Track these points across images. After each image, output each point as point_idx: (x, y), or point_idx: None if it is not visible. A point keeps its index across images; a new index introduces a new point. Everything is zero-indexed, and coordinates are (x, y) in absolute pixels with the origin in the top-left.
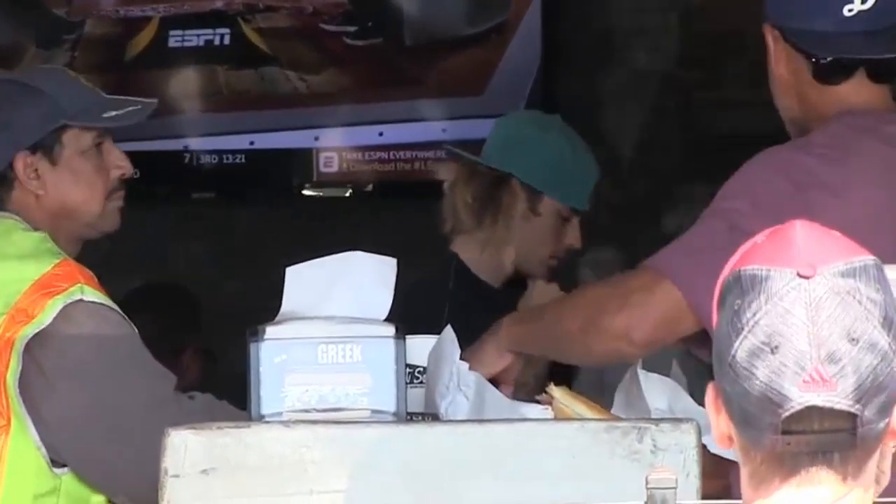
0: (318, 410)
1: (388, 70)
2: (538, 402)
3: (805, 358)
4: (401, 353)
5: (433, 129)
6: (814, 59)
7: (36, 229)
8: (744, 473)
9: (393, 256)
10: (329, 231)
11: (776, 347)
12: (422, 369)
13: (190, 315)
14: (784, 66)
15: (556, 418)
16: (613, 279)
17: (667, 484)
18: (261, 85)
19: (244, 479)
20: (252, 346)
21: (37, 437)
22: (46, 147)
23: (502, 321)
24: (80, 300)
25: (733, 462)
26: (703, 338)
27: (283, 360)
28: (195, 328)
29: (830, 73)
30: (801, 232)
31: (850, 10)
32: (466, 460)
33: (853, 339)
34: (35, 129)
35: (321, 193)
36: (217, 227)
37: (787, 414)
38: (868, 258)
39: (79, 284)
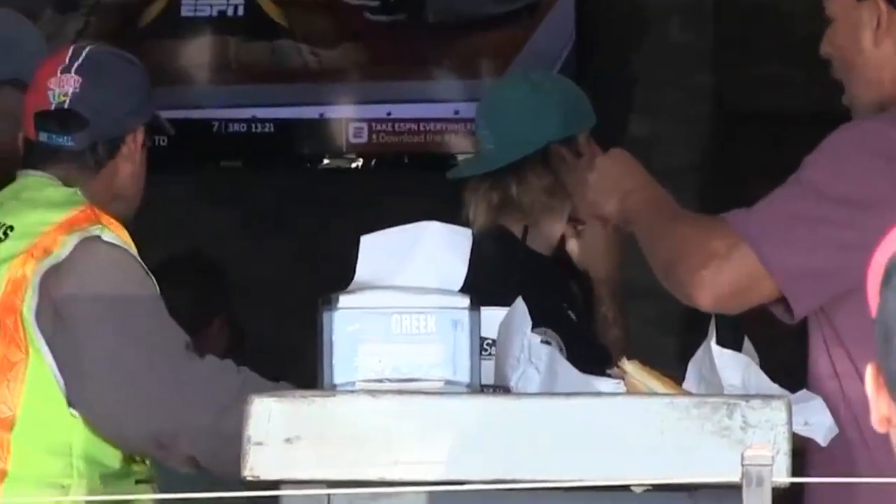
0: (390, 381)
1: (406, 47)
2: (610, 376)
3: None
4: (475, 324)
5: (445, 109)
6: None
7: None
8: None
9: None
10: (354, 201)
11: None
12: (491, 341)
13: (217, 286)
14: (892, 41)
15: (628, 393)
16: (702, 228)
17: (763, 461)
18: (271, 58)
19: (327, 449)
20: (325, 315)
21: (55, 370)
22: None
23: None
24: (99, 237)
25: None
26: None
27: (355, 329)
28: (223, 299)
29: None
30: None
31: None
32: (553, 434)
33: None
34: (149, 110)
35: (347, 165)
36: (244, 196)
37: None
38: None
39: (100, 224)
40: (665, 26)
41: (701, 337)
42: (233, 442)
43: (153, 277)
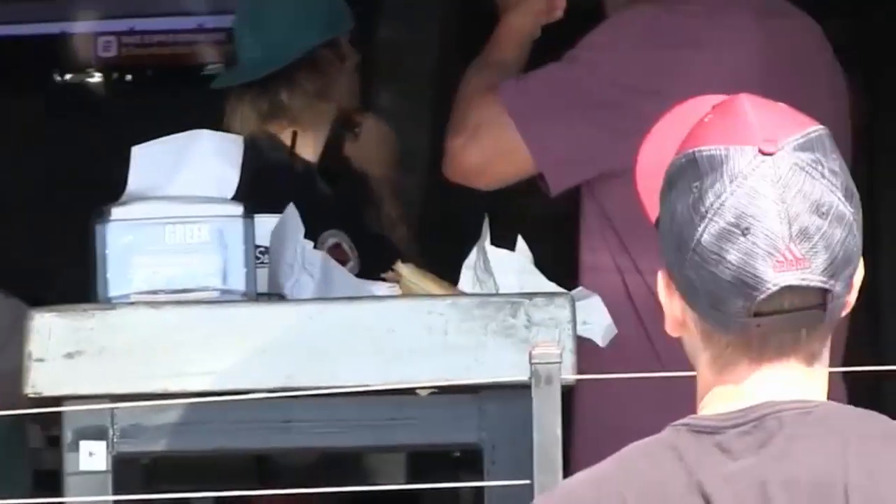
0: (165, 292)
1: None
2: (384, 279)
3: (777, 237)
4: (249, 232)
5: (188, 22)
6: None
7: None
8: (703, 359)
9: None
10: (106, 116)
11: (747, 229)
12: (264, 249)
13: None
14: None
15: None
16: (473, 97)
17: (550, 359)
18: None
19: (110, 363)
20: (98, 228)
21: None
22: None
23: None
24: None
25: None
26: None
27: (129, 241)
28: None
29: None
30: (750, 106)
31: None
32: (336, 340)
33: (822, 214)
34: None
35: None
36: None
37: (762, 297)
38: (819, 127)
39: None
40: None
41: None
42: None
43: None
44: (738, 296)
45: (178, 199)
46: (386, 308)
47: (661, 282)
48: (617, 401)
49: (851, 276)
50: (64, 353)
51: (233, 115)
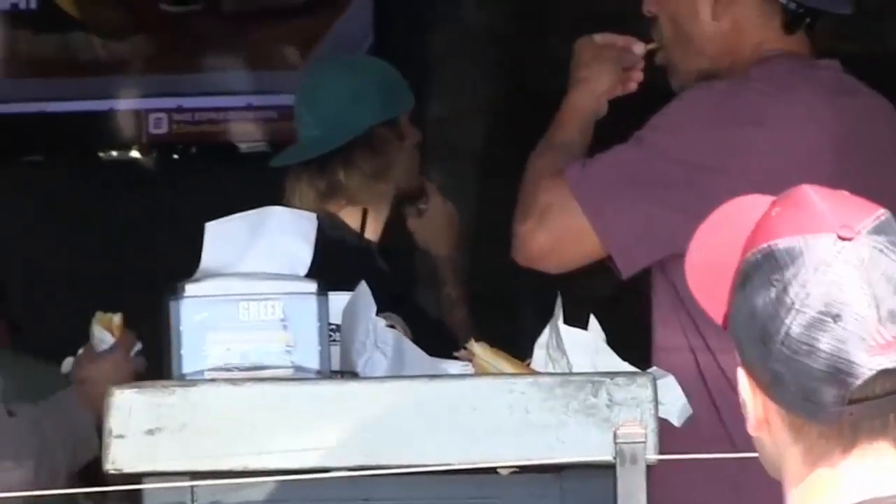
0: (239, 369)
1: (201, 38)
2: (457, 358)
3: (867, 322)
4: (323, 309)
5: (237, 101)
6: (791, 7)
7: None
8: (794, 453)
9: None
10: (157, 192)
11: (837, 316)
12: (335, 327)
13: None
14: (730, 17)
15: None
16: (540, 181)
17: (636, 438)
18: (65, 52)
19: (190, 440)
20: (172, 304)
21: None
22: None
23: None
24: None
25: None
26: None
27: (203, 317)
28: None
29: (799, 20)
30: (816, 195)
31: None
32: (421, 416)
33: None
34: None
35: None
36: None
37: (858, 383)
38: (883, 210)
39: None
40: (461, 6)
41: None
42: None
43: None
44: (833, 384)
45: (252, 275)
46: (467, 386)
47: (742, 378)
48: (690, 482)
49: None
50: (144, 430)
51: (292, 194)
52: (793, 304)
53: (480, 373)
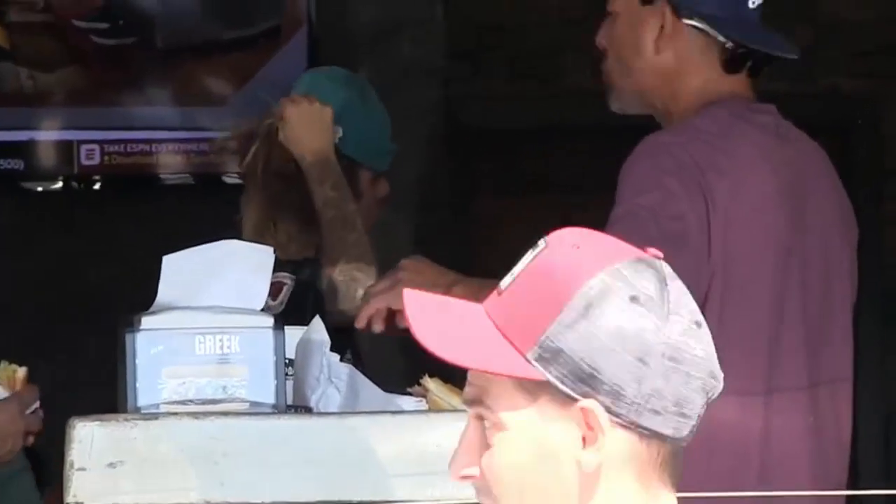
0: (195, 402)
1: (133, 72)
2: (411, 394)
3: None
4: (279, 344)
5: (168, 136)
6: (728, 46)
7: None
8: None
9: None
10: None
11: (699, 322)
12: (288, 360)
13: None
14: (672, 52)
15: (430, 410)
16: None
17: None
18: None
19: (152, 472)
20: (127, 337)
21: None
22: None
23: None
24: None
25: None
26: None
27: (159, 351)
28: None
29: (740, 61)
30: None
31: (753, 3)
32: (379, 452)
33: None
34: None
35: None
36: None
37: (720, 387)
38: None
39: None
40: (396, 43)
41: None
42: None
43: None
44: (703, 393)
45: (208, 309)
46: (430, 422)
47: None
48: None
49: None
50: (106, 463)
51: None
52: (668, 313)
53: (434, 409)
